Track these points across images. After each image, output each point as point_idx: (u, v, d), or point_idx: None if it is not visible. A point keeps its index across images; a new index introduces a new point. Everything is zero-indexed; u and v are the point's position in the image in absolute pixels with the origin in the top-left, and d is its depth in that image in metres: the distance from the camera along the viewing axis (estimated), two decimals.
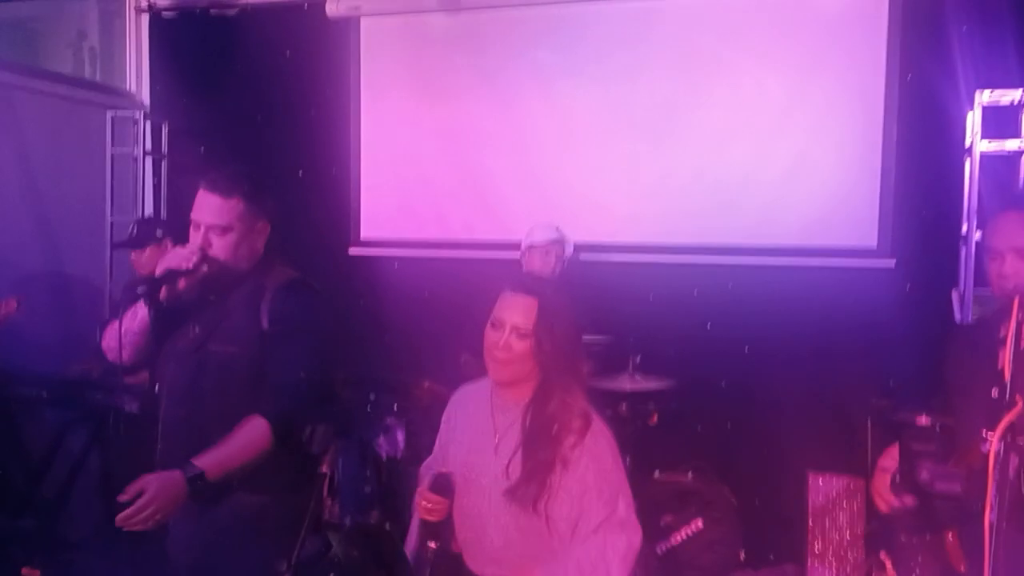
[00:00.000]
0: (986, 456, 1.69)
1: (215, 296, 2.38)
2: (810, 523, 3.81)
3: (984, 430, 1.73)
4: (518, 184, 4.71)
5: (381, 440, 3.99)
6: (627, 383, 3.68)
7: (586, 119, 4.59)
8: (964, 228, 3.73)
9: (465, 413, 2.23)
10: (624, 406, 3.73)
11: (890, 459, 2.12)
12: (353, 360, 4.05)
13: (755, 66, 4.31)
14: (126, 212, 4.94)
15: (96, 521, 3.29)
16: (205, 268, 2.31)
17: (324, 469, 1.94)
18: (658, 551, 3.94)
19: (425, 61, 4.82)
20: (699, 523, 3.95)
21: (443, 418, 2.31)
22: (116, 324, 2.28)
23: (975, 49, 3.76)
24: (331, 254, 4.98)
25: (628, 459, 3.66)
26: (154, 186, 5.12)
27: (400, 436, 4.03)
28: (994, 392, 1.89)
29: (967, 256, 3.71)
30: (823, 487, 3.78)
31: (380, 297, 4.80)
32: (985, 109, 3.64)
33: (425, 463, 2.36)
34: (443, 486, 2.03)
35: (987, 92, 3.65)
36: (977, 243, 3.62)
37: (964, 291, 3.74)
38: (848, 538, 3.69)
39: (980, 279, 3.66)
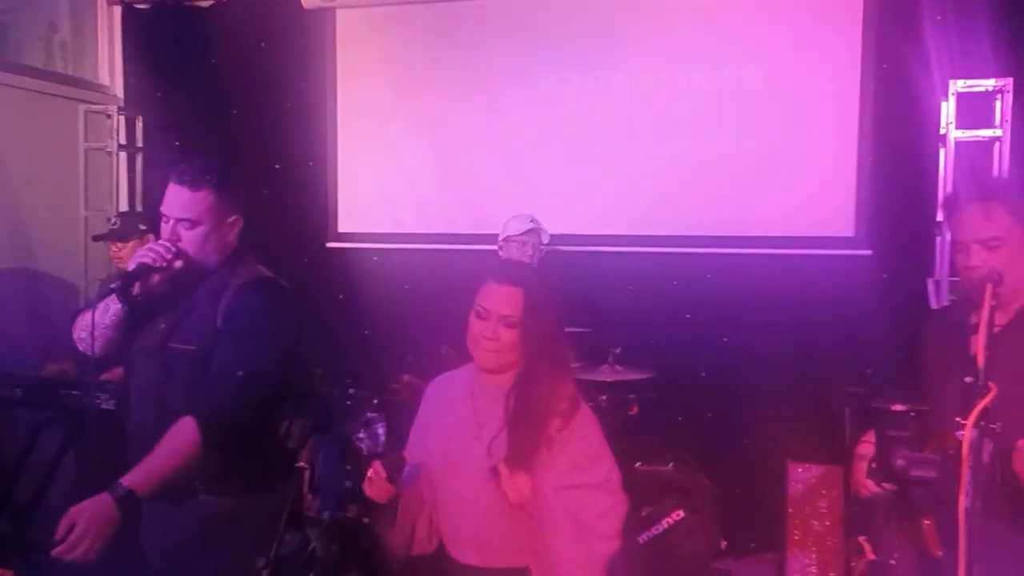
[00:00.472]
0: (960, 442, 1.70)
1: (182, 291, 2.34)
2: (790, 511, 3.83)
3: (958, 417, 1.75)
4: (496, 176, 4.70)
5: (362, 435, 3.97)
6: (607, 374, 3.68)
7: (564, 110, 4.58)
8: (940, 216, 3.76)
9: (444, 401, 2.23)
10: (604, 397, 3.72)
11: (867, 446, 2.14)
12: (331, 355, 4.03)
13: (732, 57, 4.32)
14: (100, 207, 4.87)
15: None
16: (179, 264, 2.28)
17: (302, 463, 1.90)
18: (640, 541, 3.95)
19: (402, 52, 4.79)
20: (680, 513, 3.95)
21: (421, 408, 2.30)
22: (88, 315, 2.25)
23: (950, 39, 3.77)
24: (308, 248, 4.95)
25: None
26: (129, 181, 5.06)
27: (381, 431, 4.00)
28: (967, 379, 1.91)
29: (942, 244, 3.74)
30: (802, 476, 3.80)
31: (358, 291, 4.78)
32: (960, 97, 3.67)
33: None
34: (392, 465, 1.98)
35: (961, 82, 3.68)
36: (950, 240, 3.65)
37: (940, 279, 3.77)
38: (827, 525, 3.72)
39: (955, 271, 3.70)
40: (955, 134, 3.67)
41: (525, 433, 2.01)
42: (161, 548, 2.31)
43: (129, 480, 2.03)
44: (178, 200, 2.29)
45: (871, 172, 4.14)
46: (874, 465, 1.86)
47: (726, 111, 4.34)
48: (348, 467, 2.08)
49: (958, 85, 3.68)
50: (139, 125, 5.08)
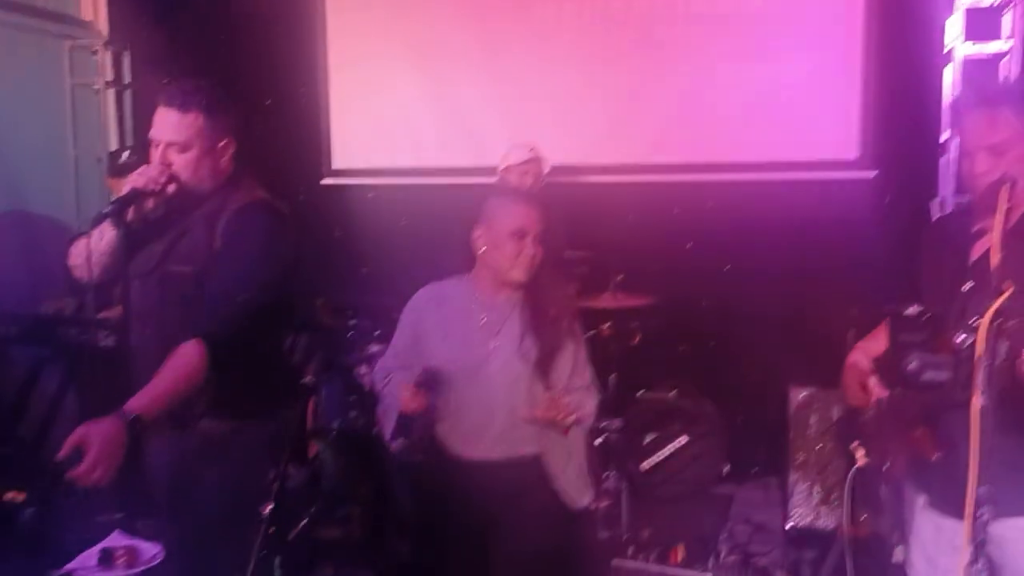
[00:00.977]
0: (971, 344, 1.68)
1: (177, 215, 2.30)
2: (792, 435, 3.85)
3: (971, 319, 1.72)
4: (493, 107, 4.61)
5: (364, 369, 3.97)
6: (609, 301, 3.66)
7: (562, 38, 4.47)
8: (944, 135, 3.71)
9: (444, 312, 2.34)
10: (607, 325, 3.71)
11: (858, 354, 2.13)
12: (332, 289, 4.00)
13: None
14: (90, 146, 4.78)
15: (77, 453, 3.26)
16: (172, 187, 2.24)
17: (308, 379, 1.88)
18: (643, 468, 3.99)
19: None
20: (683, 439, 3.99)
21: (408, 319, 2.42)
22: (83, 242, 2.21)
23: None
24: (303, 186, 4.88)
25: (613, 377, 3.68)
26: (117, 118, 4.95)
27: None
28: (970, 284, 1.89)
29: (947, 165, 3.70)
30: (804, 399, 3.81)
31: (356, 227, 4.73)
32: (967, 13, 3.59)
33: (382, 364, 2.44)
34: (430, 380, 2.17)
35: None
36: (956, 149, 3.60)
37: (944, 199, 3.73)
38: (830, 448, 3.74)
39: (960, 187, 3.66)
40: (962, 50, 3.59)
41: (547, 335, 2.26)
42: (165, 474, 2.31)
43: (136, 404, 2.02)
44: (167, 123, 2.24)
45: (875, 93, 4.05)
46: (885, 370, 1.84)
47: (727, 34, 4.23)
48: (351, 398, 2.10)
49: None
50: (126, 61, 4.95)
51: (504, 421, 2.26)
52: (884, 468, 2.05)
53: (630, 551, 3.14)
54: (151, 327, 2.26)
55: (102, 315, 3.55)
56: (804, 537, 3.71)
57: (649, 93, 4.39)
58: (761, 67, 4.20)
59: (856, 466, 2.10)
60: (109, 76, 4.88)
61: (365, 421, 1.95)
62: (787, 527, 3.74)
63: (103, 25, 5.00)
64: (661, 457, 3.94)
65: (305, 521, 2.30)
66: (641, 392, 4.13)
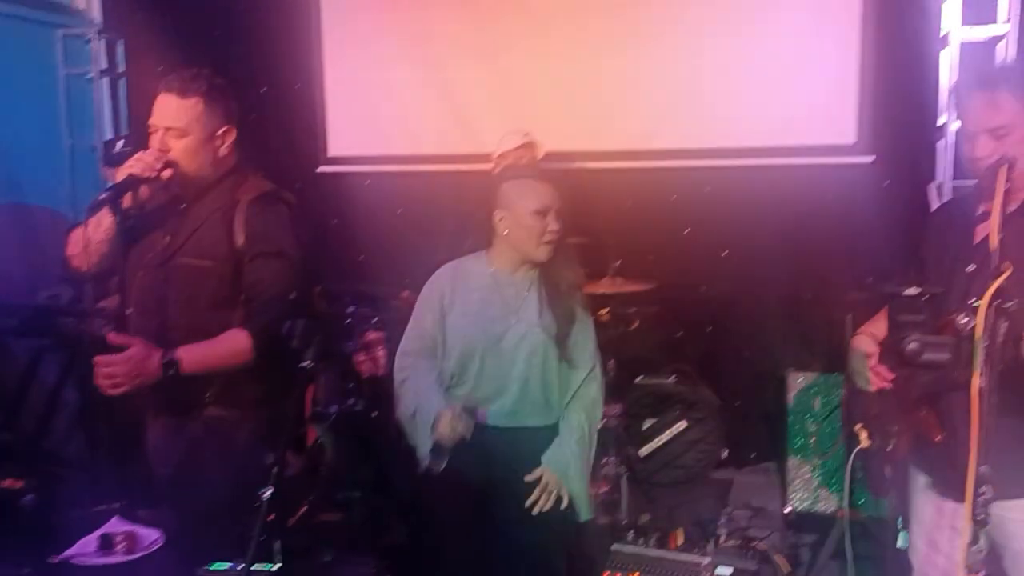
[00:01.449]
0: (963, 327, 1.68)
1: (184, 205, 2.32)
2: (790, 420, 3.85)
3: (961, 298, 1.73)
4: (489, 93, 4.58)
5: (362, 357, 3.96)
6: (607, 286, 3.66)
7: (558, 23, 4.43)
8: (942, 119, 3.70)
9: (468, 289, 2.46)
10: (605, 311, 3.71)
11: (863, 338, 2.14)
12: (329, 277, 3.99)
13: None
14: (84, 135, 4.75)
15: (79, 443, 3.28)
16: (168, 173, 2.24)
17: (307, 363, 1.88)
18: (642, 453, 3.99)
19: None
20: (682, 424, 4.00)
21: (431, 297, 2.51)
22: (80, 231, 2.21)
23: None
24: (299, 174, 4.85)
25: (611, 363, 3.68)
26: (112, 107, 4.92)
27: (381, 354, 4.00)
28: (972, 266, 1.89)
29: (946, 148, 3.69)
30: (802, 384, 3.81)
31: (352, 215, 4.71)
32: None
33: (404, 349, 2.50)
34: (471, 415, 2.28)
35: None
36: (957, 133, 3.59)
37: (942, 183, 3.73)
38: (828, 433, 3.74)
39: (959, 171, 3.66)
40: (959, 34, 3.58)
41: (563, 308, 2.42)
42: (167, 459, 2.32)
43: (182, 352, 2.14)
44: (167, 109, 2.26)
45: (873, 77, 4.03)
46: (885, 351, 1.84)
47: (724, 18, 4.20)
48: (350, 386, 2.11)
49: None
50: (119, 49, 4.93)
51: (520, 391, 2.39)
52: (888, 449, 2.06)
53: (629, 536, 3.15)
54: (156, 318, 2.27)
55: (100, 304, 3.54)
56: (803, 521, 3.73)
57: (645, 78, 4.36)
58: (758, 52, 4.17)
59: (859, 447, 2.11)
60: (103, 65, 4.85)
61: (364, 407, 1.98)
62: (786, 511, 3.76)
63: (96, 13, 4.97)
64: (660, 442, 3.95)
65: (305, 507, 2.31)
66: (640, 378, 4.13)
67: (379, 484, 2.49)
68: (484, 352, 2.39)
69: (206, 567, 1.83)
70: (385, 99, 4.74)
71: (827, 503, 3.71)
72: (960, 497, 1.60)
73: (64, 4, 4.89)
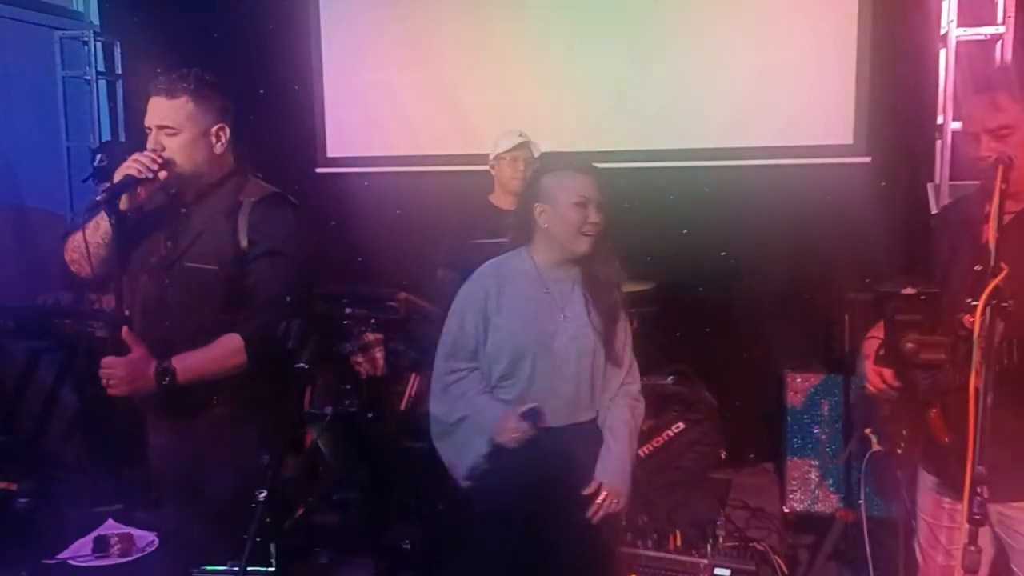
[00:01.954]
0: (971, 325, 1.68)
1: (185, 208, 2.31)
2: (789, 420, 3.85)
3: (968, 299, 1.73)
4: (486, 94, 4.59)
5: (360, 359, 3.96)
6: None
7: (554, 23, 4.45)
8: (940, 119, 3.70)
9: (514, 288, 2.37)
10: None
11: (872, 343, 2.13)
12: (327, 279, 3.99)
13: None
14: (83, 137, 4.76)
15: (76, 445, 3.28)
16: (164, 174, 2.23)
17: (303, 364, 1.88)
18: (640, 454, 3.98)
19: None
20: (680, 425, 3.98)
21: (473, 295, 2.40)
22: (78, 235, 2.20)
23: None
24: (298, 174, 4.85)
25: None
26: (110, 109, 4.93)
27: (379, 355, 4.00)
28: (977, 264, 1.88)
29: (943, 148, 3.69)
30: (801, 385, 3.81)
31: (351, 215, 4.71)
32: None
33: (446, 364, 2.40)
34: (534, 416, 2.22)
35: None
36: (954, 133, 3.59)
37: (940, 183, 3.73)
38: (827, 433, 3.74)
39: (956, 171, 3.66)
40: (956, 33, 3.58)
41: (606, 307, 2.36)
42: (165, 460, 2.31)
43: (177, 360, 2.14)
44: (158, 110, 2.26)
45: (870, 78, 4.04)
46: (882, 352, 1.84)
47: (721, 19, 4.21)
48: (348, 387, 2.08)
49: None
50: (117, 51, 4.93)
51: (572, 390, 2.34)
52: (898, 452, 2.06)
53: (627, 537, 3.14)
54: (159, 322, 2.26)
55: (96, 305, 3.54)
56: (802, 522, 3.73)
57: (644, 78, 4.37)
58: (756, 53, 4.19)
59: (871, 451, 2.11)
60: (100, 67, 4.85)
61: (359, 408, 1.94)
62: (785, 512, 3.75)
63: (94, 16, 4.98)
64: (658, 443, 3.93)
65: (302, 508, 2.31)
66: None
67: (376, 485, 2.46)
68: (536, 353, 2.33)
69: (201, 569, 1.83)
70: (384, 100, 4.75)
71: (826, 504, 3.71)
72: (961, 496, 1.61)
73: (62, 7, 4.90)
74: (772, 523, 3.67)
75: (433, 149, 4.70)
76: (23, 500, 1.97)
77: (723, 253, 4.29)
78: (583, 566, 2.31)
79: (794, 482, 3.77)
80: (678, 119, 4.33)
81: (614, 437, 2.38)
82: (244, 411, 2.28)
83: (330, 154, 4.90)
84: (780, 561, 3.23)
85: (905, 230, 3.78)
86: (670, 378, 4.15)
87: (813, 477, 3.75)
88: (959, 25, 3.59)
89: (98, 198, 2.17)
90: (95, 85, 4.83)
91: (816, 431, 3.78)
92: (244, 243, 2.26)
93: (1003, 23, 3.54)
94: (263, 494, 1.73)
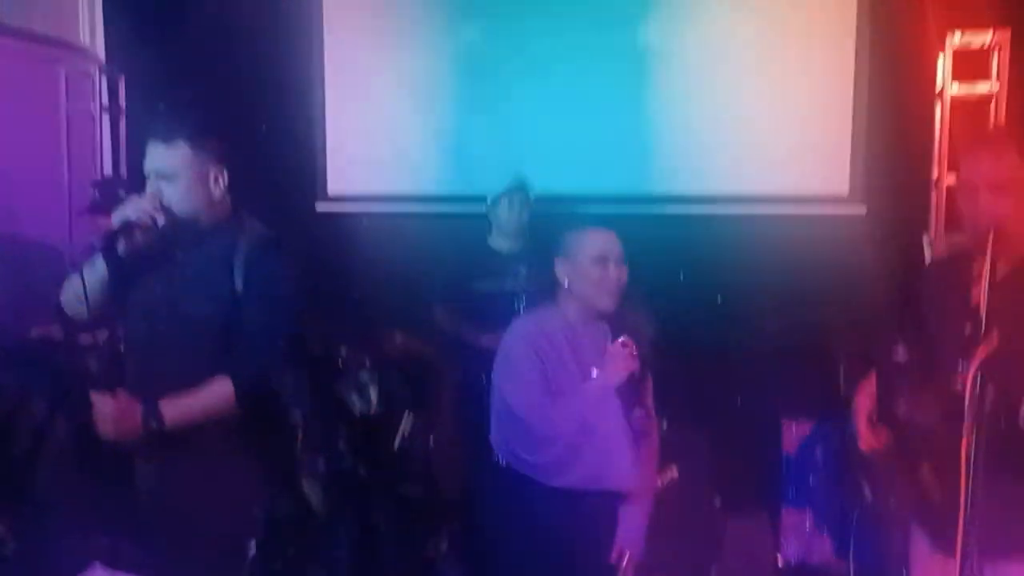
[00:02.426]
0: (962, 389, 1.69)
1: (181, 251, 2.33)
2: (783, 469, 3.84)
3: (960, 363, 1.74)
4: (486, 135, 4.63)
5: (354, 397, 3.96)
6: None
7: (555, 66, 4.51)
8: (935, 173, 3.74)
9: (556, 349, 2.33)
10: None
11: (865, 398, 2.14)
12: (323, 316, 3.99)
13: (727, 11, 4.26)
14: (85, 171, 4.78)
15: (66, 482, 3.25)
16: (162, 219, 2.25)
17: (296, 422, 1.88)
18: None
19: (390, 10, 4.70)
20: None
21: (530, 353, 2.32)
22: (75, 279, 2.22)
23: None
24: (298, 210, 4.89)
25: None
26: (112, 143, 4.96)
27: (373, 395, 4.00)
28: (968, 328, 1.89)
29: (938, 201, 3.72)
30: (796, 432, 3.80)
31: (349, 253, 4.72)
32: (957, 53, 3.63)
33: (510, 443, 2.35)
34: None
35: (958, 34, 3.63)
36: (949, 187, 3.63)
37: (935, 236, 3.75)
38: (821, 481, 3.73)
39: (951, 224, 3.69)
40: (951, 89, 3.63)
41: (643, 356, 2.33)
42: (154, 500, 2.30)
43: (164, 406, 2.15)
44: (155, 156, 2.28)
45: (866, 130, 4.10)
46: (875, 415, 1.84)
47: (719, 66, 4.28)
48: (340, 432, 2.09)
49: (955, 39, 3.63)
50: (122, 86, 4.97)
51: (603, 448, 2.27)
52: (889, 507, 2.06)
53: None
54: (155, 364, 2.27)
55: (91, 339, 3.52)
56: (796, 571, 3.70)
57: (641, 124, 4.42)
58: (754, 101, 4.25)
59: (863, 504, 2.12)
60: (105, 101, 4.89)
61: (353, 463, 1.94)
62: (779, 561, 3.73)
63: (99, 50, 5.03)
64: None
65: (290, 558, 2.28)
66: None
67: (366, 542, 2.45)
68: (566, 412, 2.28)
69: None
70: (385, 139, 4.79)
71: (820, 554, 3.68)
72: (953, 553, 1.60)
73: (69, 40, 4.94)
74: (766, 572, 3.65)
75: (434, 189, 4.74)
76: (10, 545, 1.95)
77: (719, 299, 4.30)
78: None
79: (788, 532, 3.75)
80: (675, 165, 4.37)
81: (638, 499, 2.37)
82: (233, 456, 2.27)
83: (331, 192, 4.93)
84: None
85: (900, 281, 3.80)
86: (664, 423, 4.13)
87: (807, 527, 3.72)
88: (955, 81, 3.65)
89: (96, 243, 2.19)
90: (99, 119, 4.86)
91: (811, 480, 3.76)
92: (239, 287, 2.27)
93: (998, 80, 3.59)
94: (253, 544, 1.72)
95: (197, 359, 2.25)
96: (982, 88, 3.61)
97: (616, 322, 2.40)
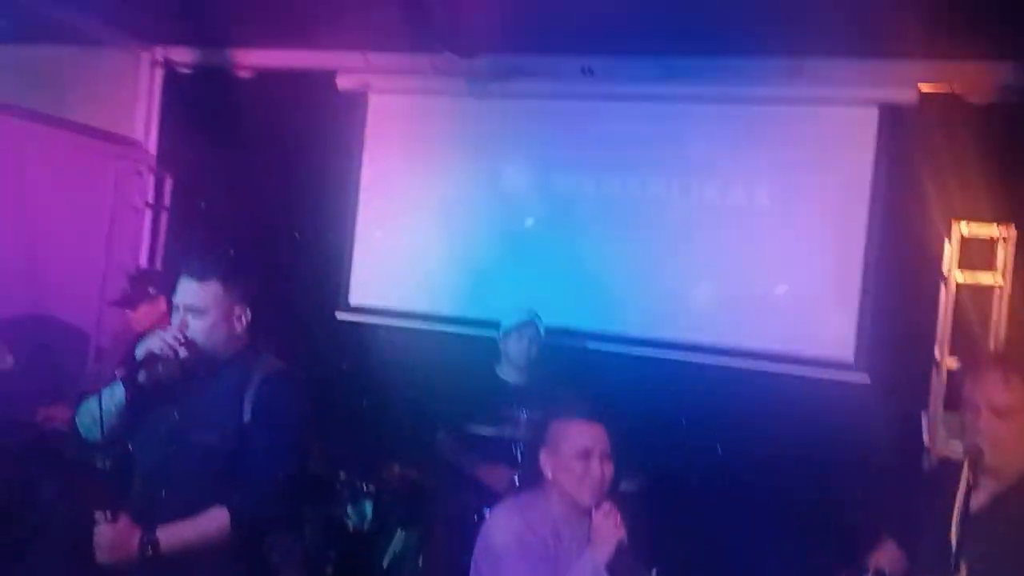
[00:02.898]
0: None
1: (197, 381, 2.42)
2: None
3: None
4: (506, 264, 4.79)
5: (349, 510, 4.01)
6: None
7: (577, 207, 4.71)
8: (937, 354, 3.81)
9: (540, 540, 2.27)
10: None
11: None
12: (328, 427, 4.08)
13: (745, 171, 4.44)
14: (122, 261, 4.98)
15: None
16: (184, 353, 2.36)
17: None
18: None
19: (426, 139, 4.96)
20: None
21: (514, 546, 2.27)
22: (92, 401, 2.33)
23: (958, 180, 3.86)
24: (319, 317, 5.04)
25: None
26: (152, 237, 5.18)
27: (368, 508, 4.04)
28: (946, 543, 1.93)
29: (938, 381, 3.79)
30: None
31: (362, 364, 4.85)
32: (964, 240, 3.75)
33: None
34: None
35: (964, 224, 3.76)
36: (949, 371, 3.70)
37: (933, 415, 3.80)
38: None
39: (950, 403, 3.73)
40: (956, 276, 3.74)
41: (623, 550, 2.22)
42: None
43: (162, 533, 2.21)
44: (188, 291, 2.41)
45: (874, 301, 4.20)
46: None
47: (736, 224, 4.44)
48: (331, 553, 2.11)
49: (962, 228, 3.76)
50: (168, 184, 5.23)
51: None
52: None
53: None
54: (162, 489, 2.35)
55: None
56: None
57: (657, 270, 4.57)
58: (766, 260, 4.38)
59: None
60: (151, 198, 5.13)
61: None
62: None
63: (152, 148, 5.31)
64: None
65: None
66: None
67: None
68: None
69: None
70: (409, 258, 4.98)
71: None
72: None
73: (124, 137, 5.23)
74: None
75: (449, 309, 4.87)
76: None
77: (718, 449, 4.33)
78: None
79: None
80: (685, 313, 4.49)
81: None
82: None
83: (352, 302, 5.09)
84: None
85: (899, 453, 3.84)
86: (654, 572, 4.11)
87: None
88: (960, 268, 3.76)
89: (118, 372, 2.32)
90: (143, 215, 5.09)
91: None
92: (247, 419, 2.36)
93: (1001, 274, 3.69)
94: None
95: (201, 487, 2.32)
96: (986, 279, 3.72)
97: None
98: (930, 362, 3.91)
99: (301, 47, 5.03)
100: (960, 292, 3.76)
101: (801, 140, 4.37)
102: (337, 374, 4.88)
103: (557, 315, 4.37)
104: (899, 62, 4.17)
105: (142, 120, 5.34)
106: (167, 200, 5.23)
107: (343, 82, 4.95)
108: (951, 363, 3.71)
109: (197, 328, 2.39)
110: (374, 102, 5.05)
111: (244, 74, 5.23)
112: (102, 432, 2.33)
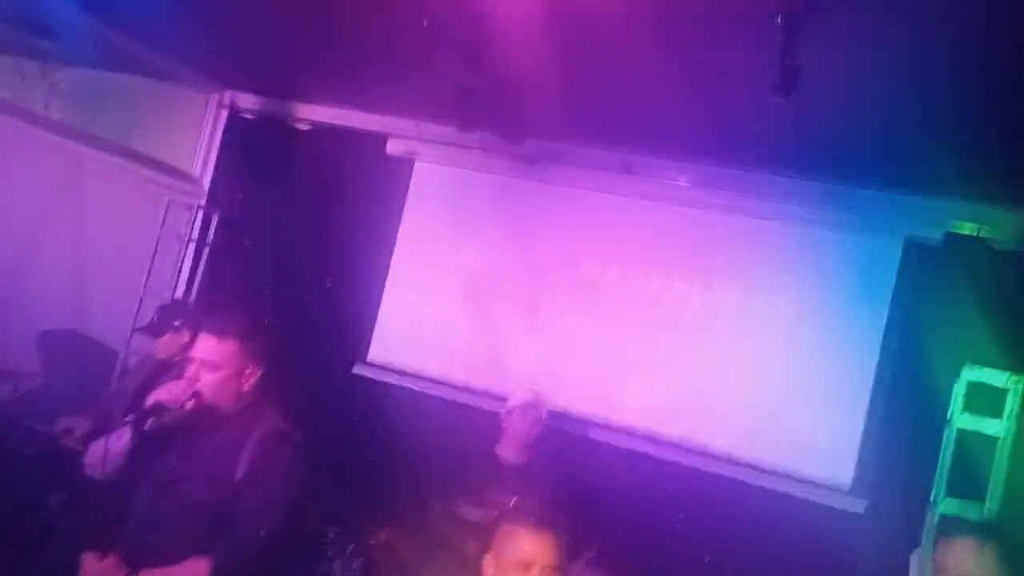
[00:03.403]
0: None
1: (199, 432, 2.54)
2: None
3: None
4: (525, 341, 4.90)
5: (336, 565, 4.07)
6: None
7: (601, 294, 4.81)
8: (933, 495, 3.79)
9: None
10: None
11: None
12: (325, 481, 4.17)
13: (767, 283, 4.52)
14: (160, 289, 5.20)
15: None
16: (192, 404, 2.50)
17: None
18: None
19: (464, 210, 5.14)
20: None
21: None
22: (100, 442, 2.47)
23: (973, 326, 3.89)
24: (336, 367, 5.18)
25: None
26: (191, 270, 5.39)
27: (356, 565, 4.10)
28: None
29: (930, 523, 3.75)
30: None
31: (370, 418, 4.96)
32: (971, 385, 3.76)
33: None
34: None
35: (975, 368, 3.77)
36: (941, 516, 3.67)
37: (924, 557, 3.76)
38: None
39: (939, 550, 3.69)
40: (959, 421, 3.74)
41: None
42: None
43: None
44: (205, 346, 2.55)
45: (879, 430, 4.21)
46: None
47: (752, 333, 4.50)
48: None
49: (972, 372, 3.77)
50: (215, 221, 5.45)
51: None
52: None
53: None
54: (152, 535, 2.47)
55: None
56: None
57: (669, 368, 4.63)
58: (777, 374, 4.42)
59: None
60: (196, 232, 5.36)
61: None
62: None
63: (206, 184, 5.56)
64: None
65: None
66: None
67: None
68: None
69: None
70: (431, 323, 5.11)
71: None
72: None
73: (181, 170, 5.49)
74: None
75: (463, 377, 4.97)
76: None
77: (707, 558, 4.33)
78: None
79: None
80: (690, 416, 4.54)
81: None
82: None
83: (370, 358, 5.22)
84: None
85: None
86: None
87: None
88: (965, 411, 3.75)
89: (128, 418, 2.46)
90: (186, 247, 5.31)
91: None
92: (240, 474, 2.46)
93: (1007, 424, 3.68)
94: None
95: (189, 536, 2.43)
96: (990, 428, 3.71)
97: None
98: (925, 502, 3.89)
99: (358, 108, 5.27)
100: (962, 436, 3.75)
101: (826, 263, 4.44)
102: (344, 425, 4.99)
103: (565, 396, 4.46)
104: (929, 199, 4.24)
105: (201, 157, 5.60)
106: (211, 236, 5.44)
107: (392, 147, 5.17)
108: (947, 507, 3.68)
109: (207, 381, 2.52)
110: (419, 169, 5.26)
111: (302, 126, 5.48)
112: (104, 471, 2.46)
